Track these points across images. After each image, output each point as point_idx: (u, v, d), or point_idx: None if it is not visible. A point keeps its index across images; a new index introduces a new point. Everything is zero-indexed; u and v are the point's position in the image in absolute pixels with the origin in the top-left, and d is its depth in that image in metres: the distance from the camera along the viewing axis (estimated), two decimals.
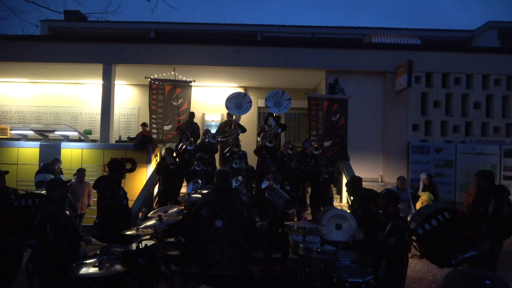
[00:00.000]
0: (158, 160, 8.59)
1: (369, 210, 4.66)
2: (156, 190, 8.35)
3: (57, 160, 7.50)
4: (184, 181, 8.08)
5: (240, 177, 6.39)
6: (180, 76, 9.72)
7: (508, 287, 1.35)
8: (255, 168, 8.03)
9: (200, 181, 6.51)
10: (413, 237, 4.11)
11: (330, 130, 9.04)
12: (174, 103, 9.33)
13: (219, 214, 3.19)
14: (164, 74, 9.75)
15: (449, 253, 4.14)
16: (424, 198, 7.62)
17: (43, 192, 4.30)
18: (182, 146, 8.19)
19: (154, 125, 9.29)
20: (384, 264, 3.60)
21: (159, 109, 9.31)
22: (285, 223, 4.81)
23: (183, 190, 8.17)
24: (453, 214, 4.23)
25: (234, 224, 3.24)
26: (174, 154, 8.21)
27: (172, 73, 9.44)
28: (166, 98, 9.29)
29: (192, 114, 9.58)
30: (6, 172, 4.54)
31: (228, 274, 3.19)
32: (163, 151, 8.72)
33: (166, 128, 9.31)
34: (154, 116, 9.25)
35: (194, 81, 9.76)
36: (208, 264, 3.22)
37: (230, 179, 3.69)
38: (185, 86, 9.47)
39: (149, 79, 9.30)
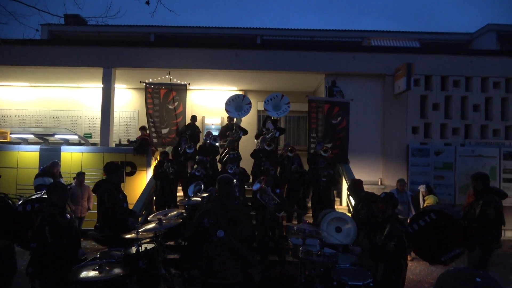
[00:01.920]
0: (155, 164, 8.57)
1: (372, 211, 4.71)
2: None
3: (56, 164, 7.52)
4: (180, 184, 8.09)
5: (234, 180, 6.35)
6: (175, 80, 9.72)
7: (498, 284, 1.37)
8: (250, 170, 8.00)
9: (202, 184, 6.49)
10: None
11: (330, 133, 9.04)
12: (170, 106, 9.31)
13: (221, 224, 3.18)
14: (160, 78, 9.74)
15: (438, 251, 4.35)
16: (429, 202, 7.62)
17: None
18: (180, 149, 8.18)
19: (153, 129, 9.28)
20: (382, 267, 3.60)
21: (156, 113, 9.30)
22: (286, 223, 4.82)
23: (180, 194, 8.17)
24: (438, 215, 4.47)
25: (236, 233, 3.24)
26: (170, 157, 8.16)
27: (167, 76, 9.47)
28: (161, 101, 9.28)
29: (194, 118, 9.59)
30: None
31: (229, 283, 3.24)
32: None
33: (164, 131, 9.31)
34: (152, 120, 9.24)
35: (189, 84, 9.75)
36: (209, 273, 3.25)
37: (233, 186, 3.66)
38: (180, 89, 9.46)
39: (144, 83, 9.29)
